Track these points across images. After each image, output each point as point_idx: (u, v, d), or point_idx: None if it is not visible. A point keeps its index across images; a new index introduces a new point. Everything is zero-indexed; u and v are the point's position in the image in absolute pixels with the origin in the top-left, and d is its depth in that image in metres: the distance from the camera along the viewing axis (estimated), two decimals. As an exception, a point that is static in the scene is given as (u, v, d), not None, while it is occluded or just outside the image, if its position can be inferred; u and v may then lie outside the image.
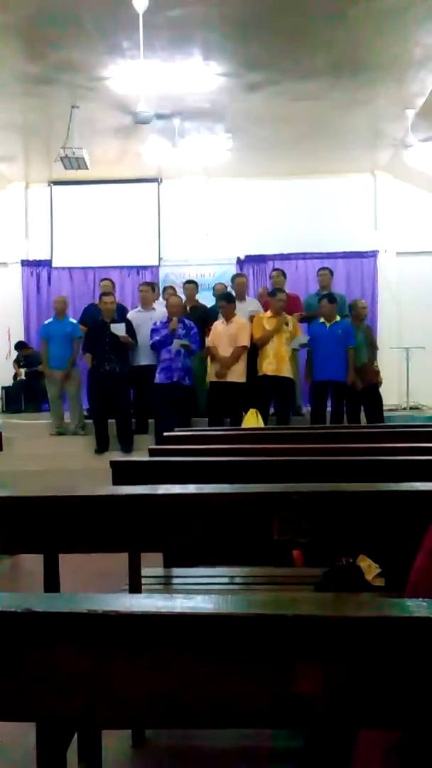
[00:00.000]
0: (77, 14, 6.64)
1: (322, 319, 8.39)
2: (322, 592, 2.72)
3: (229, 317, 8.25)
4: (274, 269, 9.75)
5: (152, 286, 9.60)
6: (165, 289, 9.70)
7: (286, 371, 8.23)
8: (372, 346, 8.73)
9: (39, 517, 2.17)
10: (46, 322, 9.48)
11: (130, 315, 9.04)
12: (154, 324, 8.43)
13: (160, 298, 9.60)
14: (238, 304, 8.66)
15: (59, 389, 9.00)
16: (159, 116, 8.67)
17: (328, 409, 8.40)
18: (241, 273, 10.33)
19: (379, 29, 7.01)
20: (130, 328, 8.46)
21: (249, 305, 9.01)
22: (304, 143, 10.12)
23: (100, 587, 3.86)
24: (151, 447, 3.74)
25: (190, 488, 2.31)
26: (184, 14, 6.67)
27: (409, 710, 1.07)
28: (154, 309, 9.04)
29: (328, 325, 8.31)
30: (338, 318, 8.39)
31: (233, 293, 8.93)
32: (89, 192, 11.79)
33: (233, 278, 9.49)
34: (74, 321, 9.08)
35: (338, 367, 8.19)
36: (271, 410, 8.37)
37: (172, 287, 9.63)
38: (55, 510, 2.18)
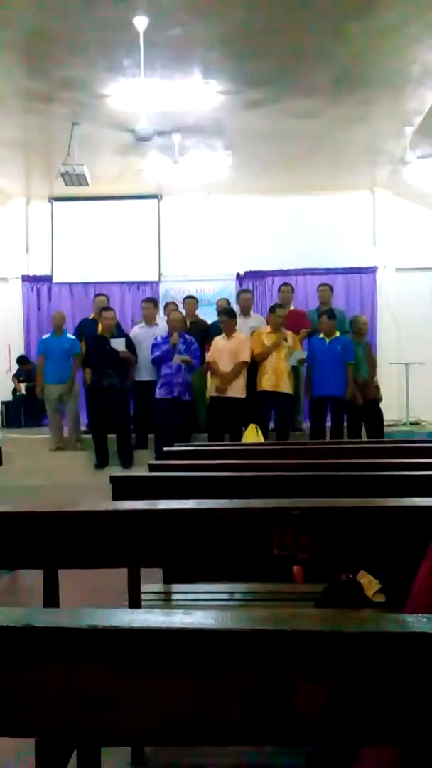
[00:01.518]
0: (78, 32, 6.70)
1: (321, 335, 8.41)
2: (322, 608, 2.71)
3: (230, 332, 8.26)
4: (284, 284, 9.75)
5: (155, 302, 9.63)
6: (167, 304, 9.72)
7: (285, 387, 8.24)
8: (372, 362, 8.74)
9: (39, 532, 2.16)
10: (44, 337, 9.48)
11: (133, 331, 9.06)
12: (155, 339, 8.45)
13: (161, 314, 9.63)
14: (242, 320, 8.68)
15: (57, 405, 8.99)
16: (159, 133, 8.72)
17: (328, 424, 8.41)
18: (247, 289, 10.36)
19: (378, 46, 7.07)
20: (130, 344, 8.47)
21: (252, 321, 9.04)
22: (304, 160, 10.18)
23: (99, 603, 3.84)
24: (151, 462, 3.73)
25: (190, 503, 2.31)
26: (184, 33, 6.73)
27: (410, 726, 1.07)
28: (157, 324, 9.08)
29: (327, 340, 8.34)
30: (337, 334, 8.41)
31: (236, 308, 8.97)
32: (90, 208, 11.84)
33: (239, 294, 9.55)
34: (72, 337, 9.09)
35: (337, 382, 8.20)
36: (271, 425, 8.37)
37: (174, 303, 9.66)
38: (55, 525, 2.18)
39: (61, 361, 8.88)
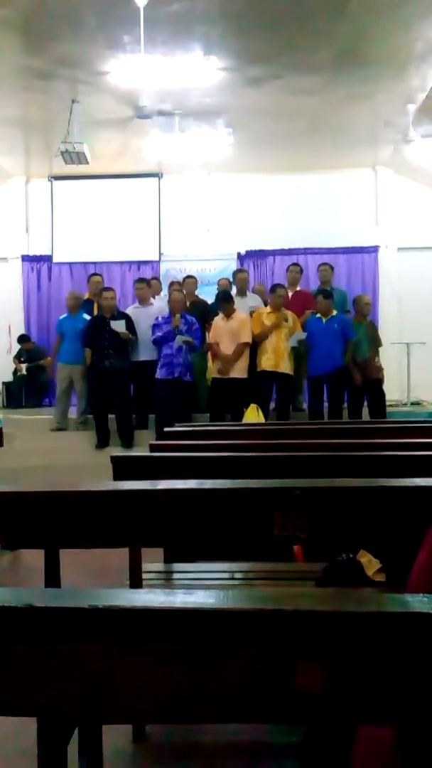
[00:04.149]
0: (77, 8, 6.63)
1: (318, 315, 8.41)
2: (322, 588, 2.72)
3: (229, 314, 8.24)
4: (293, 264, 9.73)
5: (148, 282, 9.58)
6: (171, 284, 9.67)
7: (285, 367, 8.23)
8: (375, 342, 8.71)
9: (40, 512, 2.17)
10: (61, 317, 9.48)
11: (128, 311, 9.03)
12: (156, 319, 8.43)
13: (163, 293, 9.59)
14: (239, 300, 8.66)
15: (69, 384, 9.01)
16: (159, 111, 8.65)
17: (327, 404, 8.42)
18: (243, 268, 10.34)
19: (381, 23, 6.98)
20: (130, 324, 8.45)
21: (250, 300, 9.02)
22: (305, 138, 10.10)
23: (100, 583, 3.87)
24: (151, 442, 3.74)
25: (191, 483, 2.31)
26: (184, 8, 6.65)
27: (408, 705, 1.07)
28: (151, 304, 9.05)
29: (324, 320, 8.34)
30: (334, 313, 8.40)
31: (233, 290, 8.95)
32: (90, 187, 11.76)
33: (234, 273, 9.51)
34: (87, 317, 9.04)
35: (333, 361, 8.20)
36: (272, 405, 8.38)
37: (177, 283, 9.59)
38: (56, 505, 2.18)
39: (74, 342, 8.87)
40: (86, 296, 9.62)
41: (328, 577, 2.78)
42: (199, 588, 2.54)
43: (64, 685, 1.13)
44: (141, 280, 9.57)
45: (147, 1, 6.34)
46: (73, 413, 9.15)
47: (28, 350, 10.92)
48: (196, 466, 2.95)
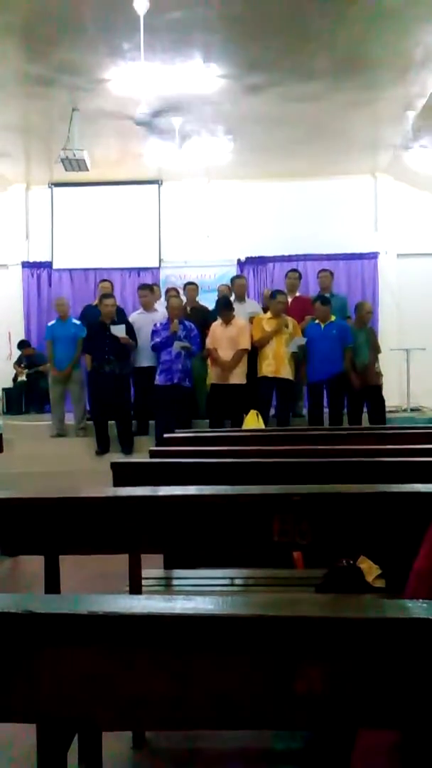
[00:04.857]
0: (78, 15, 6.65)
1: (316, 320, 8.44)
2: (322, 594, 2.72)
3: (229, 321, 8.25)
4: (291, 270, 9.74)
5: (151, 288, 9.59)
6: (168, 290, 9.68)
7: (285, 372, 8.23)
8: (374, 349, 8.73)
9: (40, 518, 2.17)
10: (49, 324, 9.47)
11: (132, 317, 9.04)
12: (155, 325, 8.43)
13: (162, 299, 9.60)
14: (237, 306, 8.66)
15: (63, 390, 9.01)
16: (159, 118, 8.67)
17: (327, 409, 8.43)
18: (241, 275, 10.38)
19: (380, 30, 7.00)
20: (131, 330, 8.46)
21: (248, 307, 9.03)
22: (305, 145, 10.12)
23: (100, 589, 3.86)
24: (151, 448, 3.74)
25: (191, 490, 2.31)
26: (184, 16, 6.67)
27: (408, 710, 1.07)
28: (156, 310, 9.05)
29: (322, 326, 8.36)
30: (333, 318, 8.42)
31: (232, 296, 8.96)
32: (90, 194, 11.78)
33: (233, 280, 9.52)
34: (78, 322, 9.06)
35: (332, 365, 8.23)
36: (272, 411, 8.37)
37: (174, 289, 9.61)
38: (56, 511, 2.18)
39: (68, 347, 8.88)
40: (95, 302, 9.62)
41: (328, 583, 2.77)
42: (199, 594, 2.53)
43: (64, 691, 1.13)
44: (144, 286, 9.58)
45: (147, 8, 6.36)
46: (69, 419, 9.15)
47: (29, 356, 10.92)
48: (196, 472, 2.95)
